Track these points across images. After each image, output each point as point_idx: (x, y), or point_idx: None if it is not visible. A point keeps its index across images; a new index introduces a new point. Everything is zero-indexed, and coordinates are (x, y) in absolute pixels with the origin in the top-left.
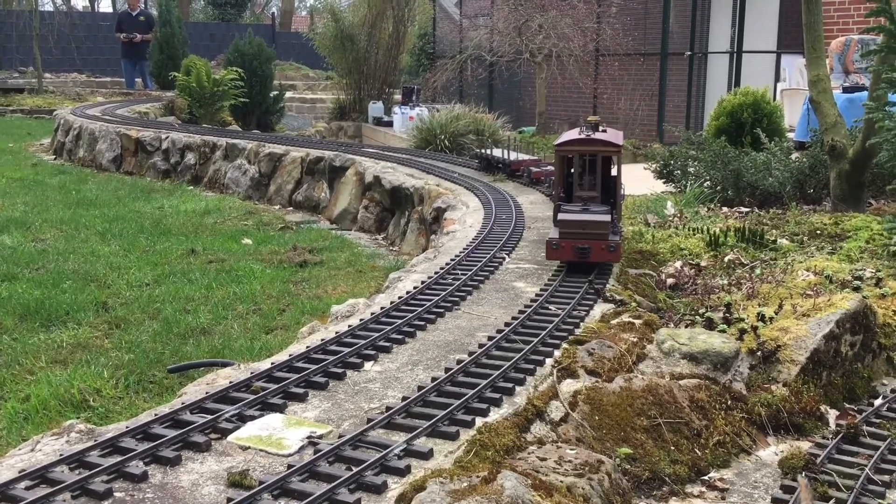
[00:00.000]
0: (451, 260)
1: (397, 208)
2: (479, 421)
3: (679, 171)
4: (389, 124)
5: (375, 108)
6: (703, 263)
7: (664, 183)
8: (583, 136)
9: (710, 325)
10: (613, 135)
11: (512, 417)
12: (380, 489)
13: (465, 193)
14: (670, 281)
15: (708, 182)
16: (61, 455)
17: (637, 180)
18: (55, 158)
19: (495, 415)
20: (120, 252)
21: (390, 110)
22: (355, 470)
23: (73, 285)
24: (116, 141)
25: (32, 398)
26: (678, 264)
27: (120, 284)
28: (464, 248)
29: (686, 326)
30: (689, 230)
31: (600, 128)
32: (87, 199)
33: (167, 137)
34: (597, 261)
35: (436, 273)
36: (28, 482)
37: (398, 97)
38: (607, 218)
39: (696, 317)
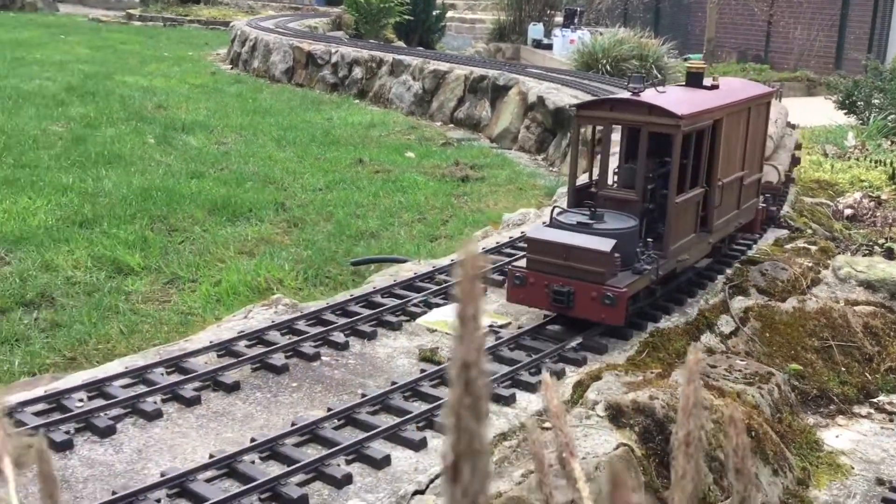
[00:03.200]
0: None
1: (559, 129)
2: (650, 326)
3: (862, 103)
4: (549, 47)
5: (535, 30)
6: (883, 196)
7: (845, 114)
8: (626, 96)
9: (889, 255)
10: (721, 92)
11: (683, 326)
12: (559, 375)
13: None
14: (848, 211)
15: (894, 115)
16: (273, 322)
17: (814, 111)
18: (231, 68)
19: (667, 322)
20: (294, 158)
21: (550, 32)
22: (535, 357)
23: (254, 186)
24: (289, 53)
25: (223, 283)
26: (857, 195)
27: (295, 188)
28: None
29: (863, 256)
30: (870, 162)
31: (710, 81)
32: (263, 108)
33: (336, 51)
34: (583, 317)
35: None
36: (246, 342)
37: (559, 19)
38: (608, 246)
39: (875, 247)
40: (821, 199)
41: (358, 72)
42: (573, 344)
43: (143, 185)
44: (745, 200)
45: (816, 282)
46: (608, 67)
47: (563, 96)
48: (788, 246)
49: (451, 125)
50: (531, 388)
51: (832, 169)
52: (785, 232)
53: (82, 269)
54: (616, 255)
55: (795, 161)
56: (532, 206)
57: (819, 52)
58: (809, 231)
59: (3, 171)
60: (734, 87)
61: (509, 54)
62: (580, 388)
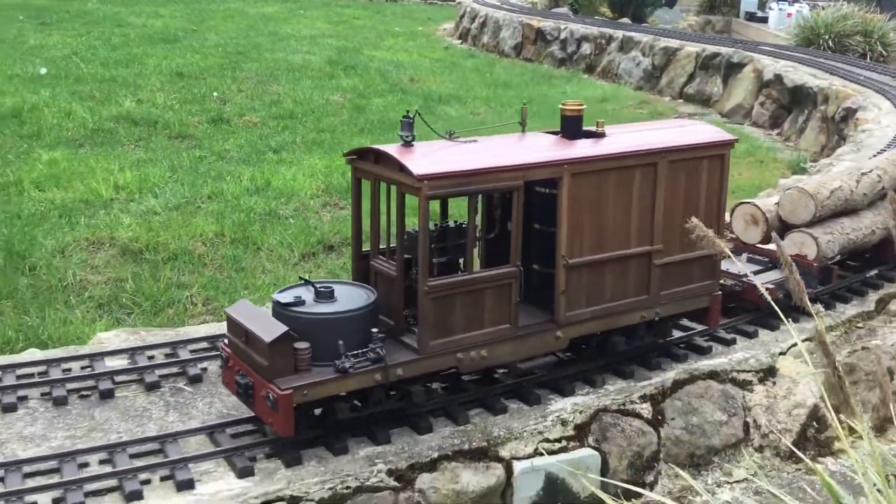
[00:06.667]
0: (876, 154)
1: (795, 107)
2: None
3: None
4: (764, 20)
5: (749, 2)
6: None
7: None
8: (389, 148)
9: None
10: (586, 143)
11: None
12: (862, 294)
13: (875, 96)
14: None
15: None
16: None
17: None
18: (461, 43)
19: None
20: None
21: (765, 5)
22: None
23: None
24: (518, 29)
25: None
26: None
27: None
28: (886, 146)
29: None
30: None
31: (619, 131)
32: (500, 81)
33: (565, 28)
34: (259, 416)
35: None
36: None
37: None
38: (272, 334)
39: None
40: None
41: (586, 48)
42: (872, 273)
43: None
44: (668, 285)
45: None
46: (830, 43)
47: (802, 74)
48: None
49: (681, 100)
50: (844, 299)
51: None
52: None
53: None
54: (298, 346)
55: None
56: (769, 184)
57: None
58: None
59: (311, 135)
60: (628, 137)
61: (720, 27)
62: (881, 303)
